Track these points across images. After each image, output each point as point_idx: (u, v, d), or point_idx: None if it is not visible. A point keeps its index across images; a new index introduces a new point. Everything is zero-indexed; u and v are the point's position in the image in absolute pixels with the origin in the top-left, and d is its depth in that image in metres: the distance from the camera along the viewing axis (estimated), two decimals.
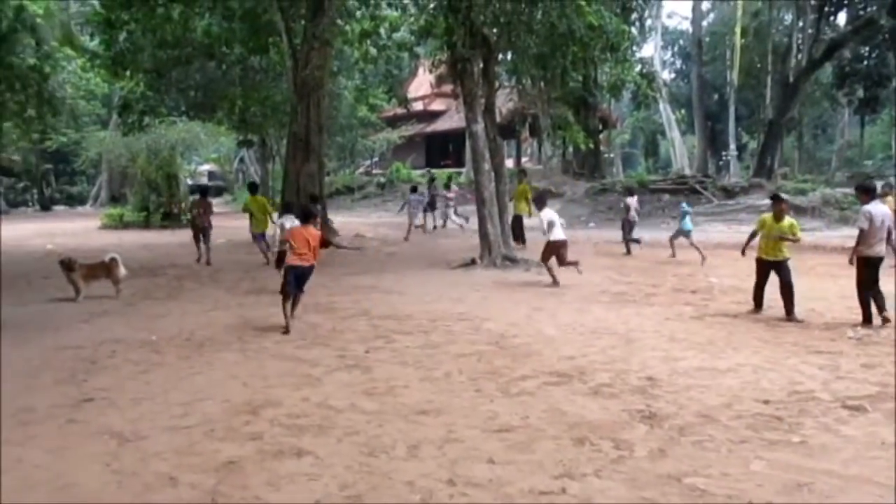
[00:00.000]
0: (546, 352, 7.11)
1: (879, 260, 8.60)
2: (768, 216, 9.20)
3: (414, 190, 23.78)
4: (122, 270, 10.85)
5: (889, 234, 8.64)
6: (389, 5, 24.46)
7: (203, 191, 17.83)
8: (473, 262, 14.42)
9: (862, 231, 8.52)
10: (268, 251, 14.29)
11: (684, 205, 17.22)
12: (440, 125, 48.00)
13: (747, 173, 42.40)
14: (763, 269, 9.30)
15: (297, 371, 6.43)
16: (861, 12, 39.41)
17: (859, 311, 8.58)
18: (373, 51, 26.34)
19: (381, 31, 25.30)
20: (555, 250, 12.10)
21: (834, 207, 23.56)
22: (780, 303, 9.11)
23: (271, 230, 13.34)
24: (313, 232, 8.71)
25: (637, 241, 17.29)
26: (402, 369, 6.50)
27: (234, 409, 5.33)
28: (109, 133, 36.01)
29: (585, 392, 5.74)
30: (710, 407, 5.33)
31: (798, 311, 8.92)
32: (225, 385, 6.00)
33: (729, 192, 29.42)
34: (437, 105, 47.80)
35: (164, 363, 6.81)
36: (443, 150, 49.62)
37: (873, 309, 8.44)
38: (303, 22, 22.04)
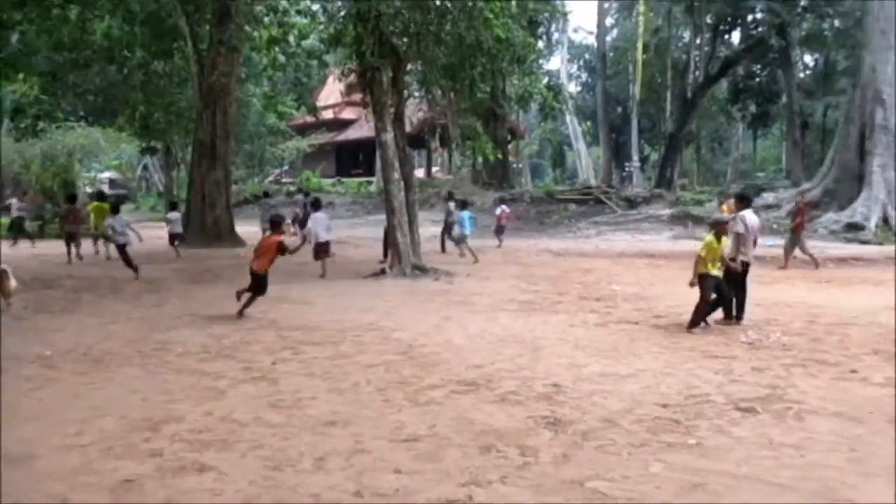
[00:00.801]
0: (454, 360, 7.16)
1: (748, 265, 9.17)
2: (711, 238, 9.19)
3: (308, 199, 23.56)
4: (13, 282, 10.31)
5: (755, 241, 9.22)
6: (298, 12, 24.25)
7: (71, 199, 19.31)
8: (383, 271, 14.42)
9: (738, 235, 9.09)
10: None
11: (465, 213, 18.51)
12: (351, 134, 47.79)
13: (649, 184, 43.88)
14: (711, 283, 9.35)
15: (201, 385, 6.27)
16: (753, 32, 41.40)
17: (747, 315, 9.07)
18: (281, 58, 26.08)
19: (290, 38, 25.06)
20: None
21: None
22: (680, 310, 9.44)
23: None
24: (273, 239, 9.67)
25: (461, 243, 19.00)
26: (309, 381, 6.42)
27: (133, 426, 5.15)
28: None
29: (492, 400, 5.81)
30: (612, 412, 5.48)
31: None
32: (124, 401, 5.79)
33: (632, 203, 30.37)
34: (347, 114, 47.58)
35: (59, 379, 6.51)
36: (353, 159, 49.42)
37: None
38: (208, 27, 21.59)
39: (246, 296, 9.71)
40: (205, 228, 22.27)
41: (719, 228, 9.03)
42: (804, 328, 8.97)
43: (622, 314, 10.09)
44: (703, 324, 8.81)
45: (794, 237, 16.56)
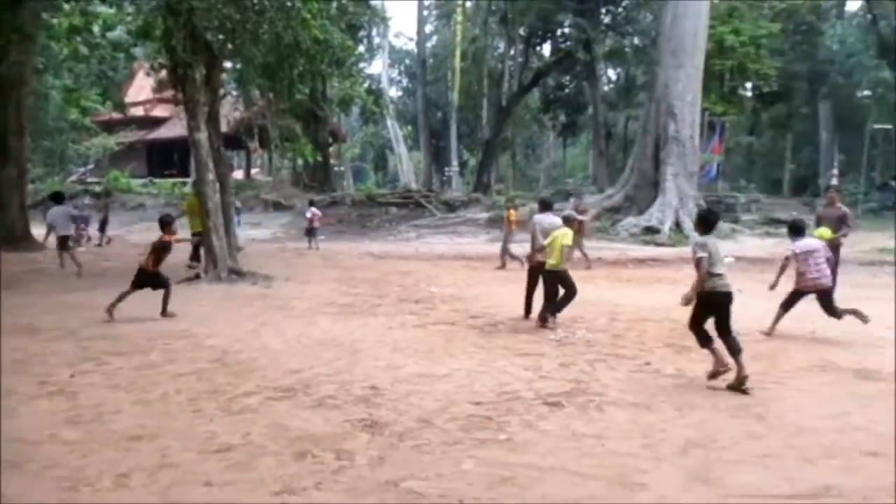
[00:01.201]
0: (271, 366, 7.00)
1: (542, 265, 9.75)
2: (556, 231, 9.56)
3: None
4: None
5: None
6: (103, 1, 22.73)
7: None
8: (198, 276, 13.84)
9: (534, 237, 10.01)
10: None
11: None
12: (163, 132, 45.43)
13: (468, 188, 45.15)
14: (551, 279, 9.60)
15: None
16: (562, 46, 43.72)
17: (562, 314, 9.60)
18: (84, 49, 24.31)
19: (94, 28, 23.44)
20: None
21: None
22: (494, 310, 9.80)
23: None
24: (163, 239, 9.86)
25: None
26: (112, 393, 6.03)
27: None
28: None
29: (309, 405, 5.74)
30: (427, 412, 5.58)
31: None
32: None
33: (451, 206, 31.10)
34: (159, 111, 45.20)
35: None
36: (166, 158, 47.01)
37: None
38: None
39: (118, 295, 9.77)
40: None
41: (573, 226, 9.70)
42: (606, 325, 9.59)
43: (440, 315, 10.31)
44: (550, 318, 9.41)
45: (577, 238, 17.73)
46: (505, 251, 17.21)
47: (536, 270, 9.93)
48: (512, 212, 18.02)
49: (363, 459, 4.54)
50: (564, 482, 4.22)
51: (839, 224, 11.74)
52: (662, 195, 27.29)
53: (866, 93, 55.15)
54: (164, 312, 9.76)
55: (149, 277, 9.84)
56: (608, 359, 7.55)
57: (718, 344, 6.49)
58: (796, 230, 9.31)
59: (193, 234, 15.17)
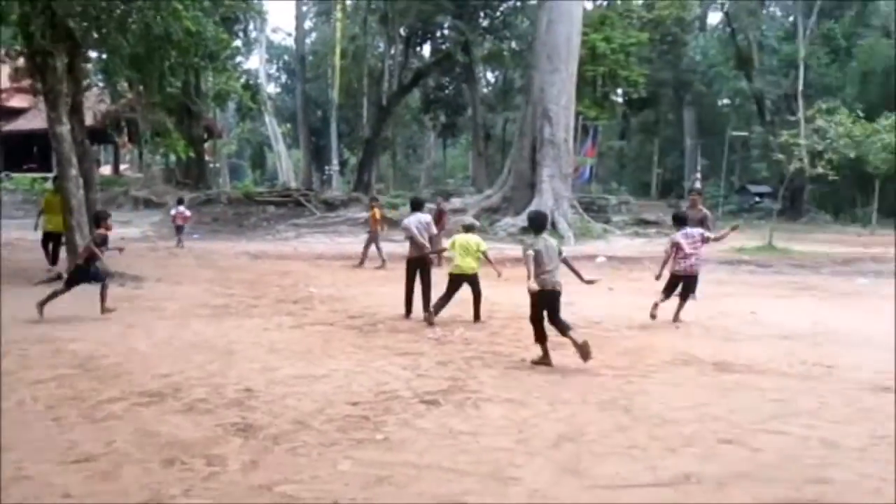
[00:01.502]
0: (138, 371, 6.70)
1: (419, 260, 10.28)
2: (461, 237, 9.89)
3: None
4: None
5: (430, 240, 10.48)
6: None
7: None
8: (59, 276, 13.05)
9: (412, 239, 10.33)
10: None
11: None
12: (22, 124, 42.58)
13: (348, 187, 44.82)
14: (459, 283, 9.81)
15: None
16: (441, 47, 44.12)
17: (441, 314, 9.71)
18: None
19: None
20: None
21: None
22: (373, 310, 9.76)
23: None
24: (100, 233, 9.84)
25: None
26: None
27: None
28: None
29: (179, 410, 5.53)
30: (304, 413, 5.49)
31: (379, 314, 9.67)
32: None
33: (330, 206, 30.78)
34: (17, 101, 42.32)
35: None
36: (25, 151, 44.06)
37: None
38: None
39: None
40: None
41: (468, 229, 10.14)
42: (484, 323, 9.75)
43: (318, 316, 10.19)
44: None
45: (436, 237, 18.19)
46: (368, 248, 17.47)
47: (414, 266, 10.22)
48: (376, 210, 18.22)
49: (236, 464, 4.41)
50: (440, 479, 4.25)
51: (700, 225, 12.50)
52: (539, 196, 27.99)
53: (726, 101, 58.74)
54: (103, 310, 9.64)
55: (83, 273, 9.76)
56: (485, 356, 7.68)
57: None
58: (680, 220, 10.46)
59: (47, 234, 14.42)
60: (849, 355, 8.02)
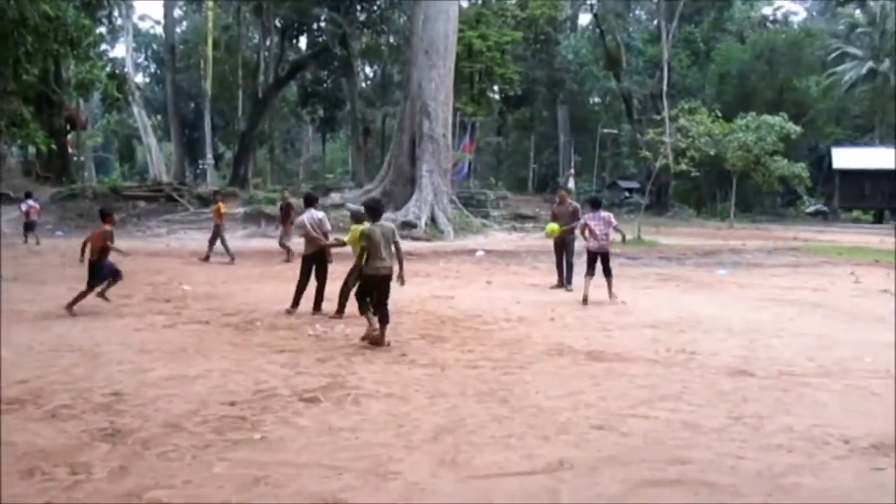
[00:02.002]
0: None
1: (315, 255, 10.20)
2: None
3: None
4: None
5: (326, 234, 10.42)
6: None
7: None
8: None
9: (306, 235, 10.28)
10: None
11: None
12: None
13: (224, 182, 43.55)
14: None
15: None
16: (318, 39, 43.56)
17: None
18: None
19: None
20: None
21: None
22: (251, 307, 9.54)
23: None
24: (106, 229, 10.18)
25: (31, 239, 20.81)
26: None
27: None
28: None
29: (39, 417, 5.22)
30: (177, 416, 5.31)
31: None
32: None
33: (205, 201, 29.81)
34: None
35: None
36: None
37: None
38: None
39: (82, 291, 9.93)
40: None
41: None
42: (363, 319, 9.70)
43: (193, 314, 9.85)
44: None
45: (285, 231, 18.36)
46: (213, 243, 17.41)
47: (310, 261, 10.19)
48: (220, 204, 18.18)
49: (102, 471, 4.21)
50: (318, 477, 4.21)
51: (573, 218, 13.13)
52: (419, 191, 28.14)
53: (597, 100, 61.00)
54: (102, 295, 10.02)
55: (99, 269, 9.98)
56: (365, 352, 7.66)
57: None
58: (595, 203, 12.03)
59: None
60: (709, 342, 8.51)
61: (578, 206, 13.74)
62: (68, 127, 37.51)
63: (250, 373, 6.63)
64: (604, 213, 11.73)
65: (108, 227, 10.27)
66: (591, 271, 11.46)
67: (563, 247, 13.28)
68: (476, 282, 14.35)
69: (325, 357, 7.37)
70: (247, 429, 5.06)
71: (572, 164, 50.05)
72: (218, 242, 17.26)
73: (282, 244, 18.10)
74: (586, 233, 11.62)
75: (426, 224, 26.91)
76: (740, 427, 5.28)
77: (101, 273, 10.02)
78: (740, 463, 4.56)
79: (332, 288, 10.02)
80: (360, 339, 8.02)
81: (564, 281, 13.19)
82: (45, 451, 4.54)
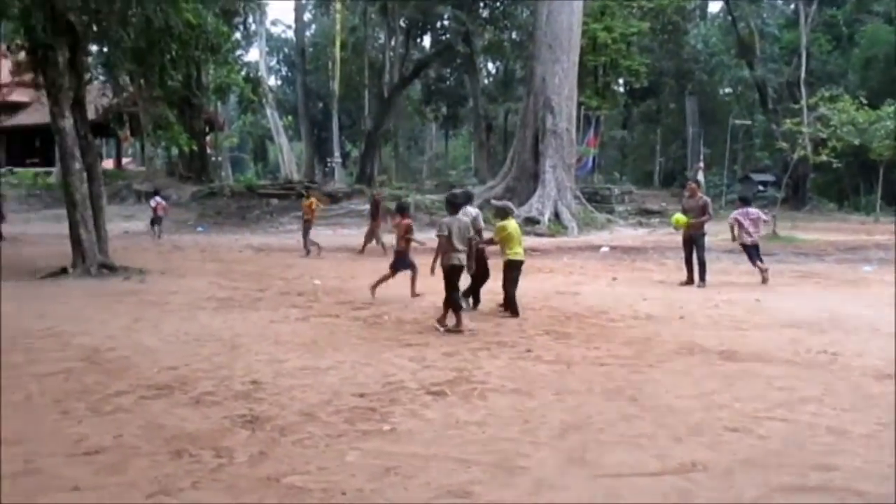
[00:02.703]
0: (145, 364, 6.72)
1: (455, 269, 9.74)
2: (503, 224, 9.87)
3: None
4: None
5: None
6: None
7: None
8: (64, 270, 13.10)
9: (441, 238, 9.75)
10: None
11: None
12: (24, 119, 42.59)
13: (351, 179, 44.76)
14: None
15: None
16: (442, 38, 43.97)
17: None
18: None
19: None
20: None
21: (424, 212, 25.97)
22: (379, 301, 9.76)
23: None
24: (402, 223, 11.30)
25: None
26: None
27: None
28: None
29: (186, 403, 5.54)
30: (311, 405, 5.51)
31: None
32: None
33: (334, 198, 30.75)
34: (18, 96, 42.24)
35: None
36: (28, 146, 44.07)
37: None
38: None
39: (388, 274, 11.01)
40: None
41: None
42: (490, 314, 9.75)
43: (323, 308, 10.20)
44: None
45: (372, 228, 18.88)
46: (307, 237, 18.24)
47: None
48: (312, 200, 18.80)
49: (243, 456, 4.43)
50: (447, 469, 4.25)
51: (702, 212, 12.71)
52: (542, 187, 27.96)
53: (728, 90, 58.49)
54: (413, 293, 10.94)
55: (402, 261, 11.00)
56: (490, 347, 7.68)
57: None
58: (745, 201, 13.71)
59: None
60: (853, 342, 8.02)
61: (709, 200, 13.25)
62: (207, 129, 39.59)
63: (379, 365, 6.79)
64: (752, 210, 13.23)
65: (407, 221, 11.19)
66: (754, 259, 13.06)
67: (692, 242, 12.84)
68: (601, 278, 14.12)
69: (450, 351, 7.44)
70: (376, 420, 5.19)
71: (701, 157, 48.27)
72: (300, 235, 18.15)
73: (375, 238, 18.70)
74: (735, 230, 12.93)
75: (549, 220, 26.72)
76: (890, 433, 4.93)
77: (405, 262, 10.98)
78: (891, 472, 4.26)
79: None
80: (438, 322, 8.51)
81: (696, 278, 12.76)
82: (191, 434, 4.81)
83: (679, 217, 12.86)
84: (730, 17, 49.36)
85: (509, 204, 11.02)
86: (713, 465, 4.33)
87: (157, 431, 4.87)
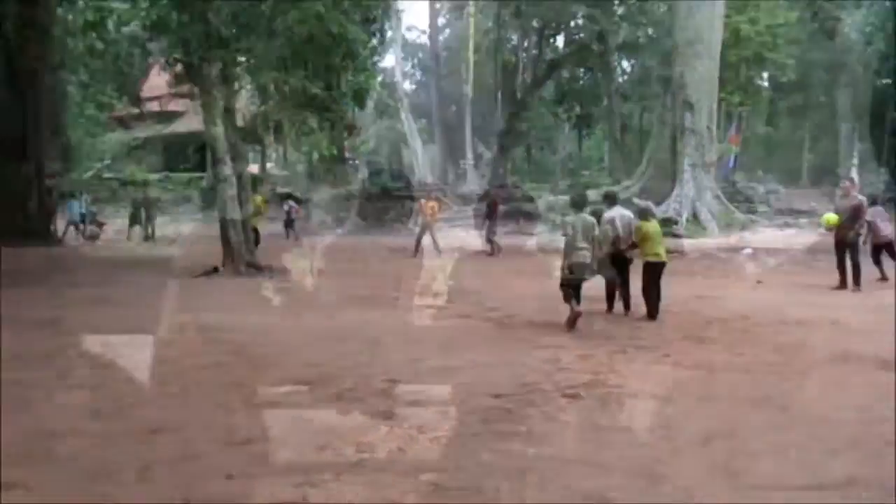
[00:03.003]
0: (290, 360, 7.03)
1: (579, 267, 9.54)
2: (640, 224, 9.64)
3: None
4: None
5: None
6: None
7: None
8: (216, 269, 13.91)
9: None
10: None
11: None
12: (179, 127, 45.49)
13: (483, 181, 44.93)
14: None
15: (9, 395, 5.69)
16: (575, 37, 43.39)
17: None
18: (99, 44, 24.40)
19: (109, 23, 23.46)
20: None
21: (556, 213, 25.74)
22: (510, 301, 9.77)
23: None
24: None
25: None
26: (132, 386, 6.07)
27: None
28: None
29: (329, 398, 5.74)
30: (447, 404, 5.58)
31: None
32: None
33: (466, 199, 31.02)
34: (174, 106, 45.19)
35: None
36: (182, 153, 47.09)
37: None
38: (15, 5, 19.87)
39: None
40: (14, 226, 20.48)
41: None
42: (627, 317, 9.53)
43: (457, 308, 10.28)
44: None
45: (491, 225, 18.98)
46: (421, 239, 18.26)
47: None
48: (434, 203, 18.79)
49: (383, 452, 4.54)
50: (585, 474, 4.19)
51: (854, 213, 11.92)
52: (680, 186, 27.12)
53: (886, 81, 54.40)
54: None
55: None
56: (627, 350, 7.51)
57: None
58: (873, 201, 13.14)
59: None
60: None
61: (864, 200, 12.39)
62: (346, 134, 40.90)
63: (513, 367, 6.78)
64: (878, 208, 13.03)
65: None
66: (879, 260, 12.81)
67: (844, 244, 12.04)
68: (744, 281, 13.54)
69: (585, 354, 7.32)
70: (512, 421, 5.18)
71: (855, 154, 45.24)
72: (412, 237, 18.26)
73: (488, 239, 18.70)
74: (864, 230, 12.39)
75: (687, 220, 25.85)
76: None
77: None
78: None
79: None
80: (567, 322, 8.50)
81: (850, 282, 11.97)
82: (334, 429, 4.98)
83: (830, 217, 12.13)
84: (889, 3, 46.00)
85: (651, 205, 10.73)
86: (873, 483, 4.04)
87: (303, 424, 5.08)
